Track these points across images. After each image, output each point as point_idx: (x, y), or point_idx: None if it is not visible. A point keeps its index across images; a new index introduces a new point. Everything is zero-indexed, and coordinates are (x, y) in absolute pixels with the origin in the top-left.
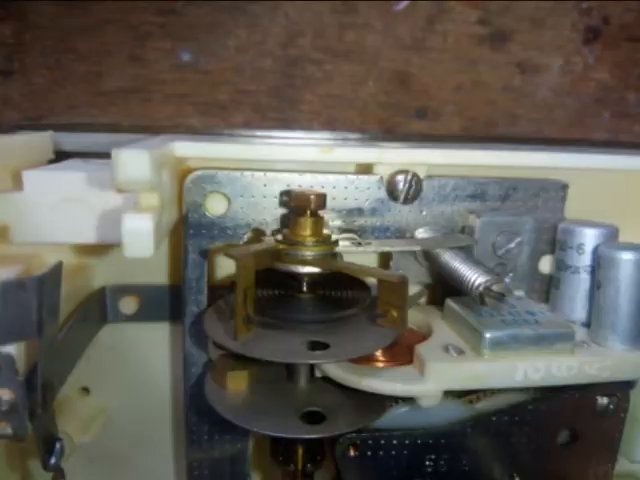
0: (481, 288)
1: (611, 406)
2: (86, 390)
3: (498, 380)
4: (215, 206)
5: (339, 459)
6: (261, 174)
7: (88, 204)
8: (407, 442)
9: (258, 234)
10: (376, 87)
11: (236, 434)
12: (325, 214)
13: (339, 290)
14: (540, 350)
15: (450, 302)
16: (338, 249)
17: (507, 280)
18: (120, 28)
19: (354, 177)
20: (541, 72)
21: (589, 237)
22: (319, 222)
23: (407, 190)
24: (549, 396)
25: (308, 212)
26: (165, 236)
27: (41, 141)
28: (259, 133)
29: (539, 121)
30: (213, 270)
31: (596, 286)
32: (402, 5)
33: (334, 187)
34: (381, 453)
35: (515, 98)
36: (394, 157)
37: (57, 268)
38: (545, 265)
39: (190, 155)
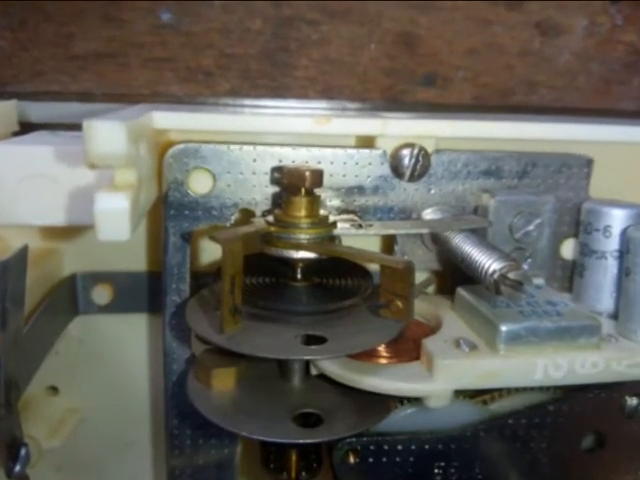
0: (496, 275)
1: None
2: (55, 389)
3: (515, 378)
4: (199, 184)
5: (337, 466)
6: (250, 148)
7: (56, 181)
8: (413, 447)
9: (247, 215)
10: (378, 51)
11: (222, 438)
12: (322, 193)
13: (337, 278)
14: (562, 345)
15: (461, 291)
16: (336, 232)
17: (525, 266)
18: None
19: (354, 151)
20: (563, 34)
21: (617, 218)
22: (315, 202)
23: (413, 166)
24: (572, 396)
25: (303, 190)
26: (143, 217)
27: (4, 111)
28: (248, 102)
29: (561, 89)
30: (196, 255)
31: (625, 273)
32: None
33: (332, 163)
34: (384, 460)
35: (534, 63)
36: (399, 129)
37: (22, 253)
38: (568, 250)
39: (171, 127)
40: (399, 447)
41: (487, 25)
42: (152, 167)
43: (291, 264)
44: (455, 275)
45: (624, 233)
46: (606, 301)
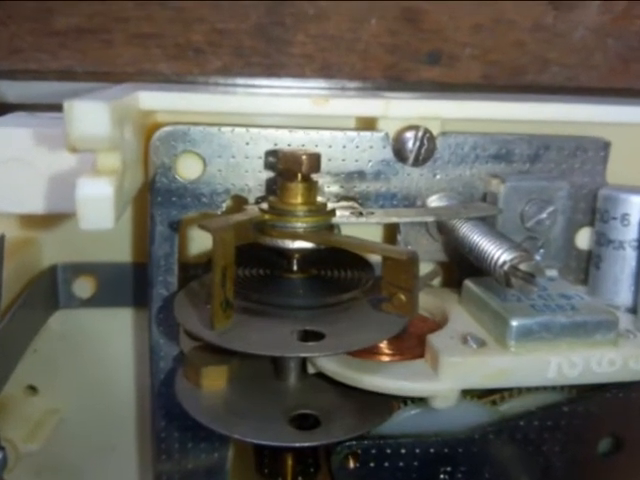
0: (506, 267)
1: None
2: (33, 389)
3: (527, 377)
4: (188, 169)
5: (336, 471)
6: (243, 130)
7: (35, 166)
8: (418, 451)
9: (239, 202)
10: (380, 26)
11: (213, 442)
12: (319, 178)
13: (336, 269)
14: (577, 341)
15: (469, 284)
16: (335, 220)
17: (537, 257)
18: None
19: (354, 134)
20: (577, 8)
21: (636, 206)
22: (312, 188)
23: (418, 149)
24: (588, 396)
25: (299, 176)
26: (128, 205)
27: None
28: (240, 81)
29: (575, 67)
30: (185, 245)
31: None
32: None
33: (330, 146)
34: (386, 465)
35: (546, 39)
36: (402, 110)
37: None
38: (583, 239)
39: (158, 107)
40: (402, 451)
41: None
42: (138, 151)
43: (287, 255)
44: (462, 266)
45: None
46: (624, 294)
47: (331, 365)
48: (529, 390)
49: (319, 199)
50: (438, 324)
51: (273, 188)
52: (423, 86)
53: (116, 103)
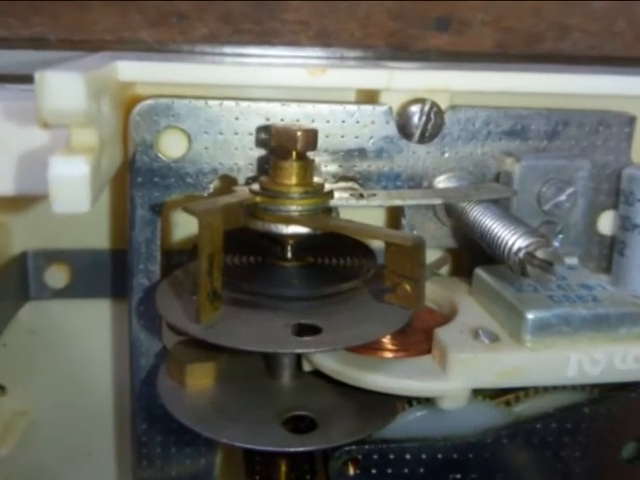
0: (522, 254)
1: None
2: (1, 388)
3: (544, 375)
4: (171, 146)
5: (334, 479)
6: (232, 104)
7: (3, 143)
8: (424, 457)
9: (228, 183)
10: None
11: (199, 446)
12: (316, 157)
13: (334, 257)
14: (599, 336)
15: (481, 272)
16: (333, 203)
17: (556, 243)
18: None
19: (354, 108)
20: None
21: None
22: (308, 167)
23: (424, 125)
24: (611, 397)
25: (293, 154)
26: (105, 186)
27: None
28: (229, 50)
29: (597, 34)
30: (168, 230)
31: None
32: None
33: (328, 121)
34: (389, 471)
35: (566, 4)
36: (407, 81)
37: None
38: (606, 224)
39: (138, 79)
40: (407, 456)
41: None
42: (116, 126)
43: (280, 241)
44: (473, 254)
45: None
46: None
47: (329, 362)
48: (546, 390)
49: (315, 179)
50: (446, 317)
51: (265, 167)
52: (430, 55)
53: (92, 74)
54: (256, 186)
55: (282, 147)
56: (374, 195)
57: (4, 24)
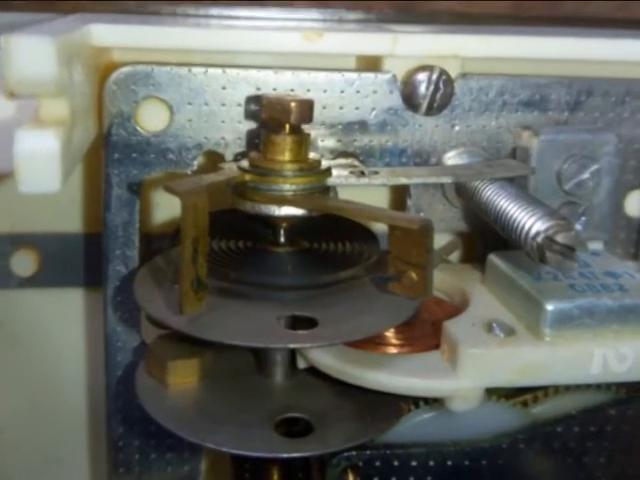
0: (540, 238)
1: None
2: None
3: (565, 373)
4: (151, 118)
5: None
6: (218, 71)
7: None
8: (432, 464)
9: (214, 159)
10: None
11: (182, 452)
12: (312, 130)
13: (332, 242)
14: (626, 329)
15: (495, 259)
16: (331, 181)
17: (578, 227)
18: None
19: (354, 76)
20: None
21: None
22: (303, 142)
23: (432, 95)
24: (639, 397)
25: (287, 127)
26: (78, 163)
27: None
28: (215, 12)
29: None
30: (148, 212)
31: None
32: None
33: (325, 91)
34: None
35: None
36: (413, 47)
37: None
38: (633, 205)
39: (114, 43)
40: (413, 463)
41: None
42: (90, 97)
43: (272, 224)
44: (486, 238)
45: None
46: None
47: (326, 358)
48: (568, 389)
49: (311, 156)
50: (457, 308)
51: (255, 142)
52: (439, 18)
53: (63, 38)
54: (245, 163)
55: (274, 119)
56: (376, 173)
57: None
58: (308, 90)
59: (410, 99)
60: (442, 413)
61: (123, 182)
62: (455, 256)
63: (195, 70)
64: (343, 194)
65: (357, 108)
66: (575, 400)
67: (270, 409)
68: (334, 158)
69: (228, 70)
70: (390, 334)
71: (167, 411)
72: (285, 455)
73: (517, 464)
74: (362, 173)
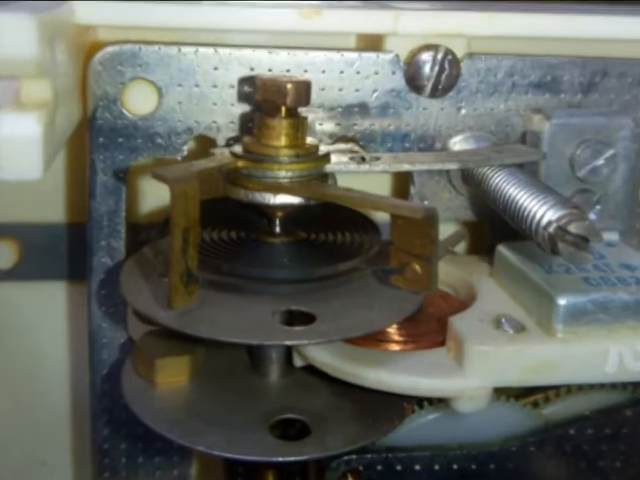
0: (552, 228)
1: None
2: None
3: (578, 371)
4: (138, 101)
5: None
6: (210, 51)
7: None
8: (437, 468)
9: (205, 144)
10: None
11: (171, 455)
12: (309, 113)
13: (331, 232)
14: None
15: (504, 250)
16: (329, 168)
17: (592, 216)
18: None
19: (354, 55)
20: None
21: None
22: (300, 126)
23: (437, 76)
24: None
25: (283, 110)
26: (61, 148)
27: None
28: None
29: None
30: (135, 201)
31: None
32: None
33: (323, 72)
34: None
35: None
36: (417, 24)
37: None
38: None
39: (100, 21)
40: (417, 467)
41: None
42: (73, 78)
43: (267, 213)
44: (495, 228)
45: None
46: None
47: (324, 356)
48: (581, 389)
49: (309, 140)
50: (463, 303)
51: (249, 126)
52: None
53: (45, 16)
54: (238, 148)
55: (269, 102)
56: (378, 159)
57: None
58: (305, 71)
59: (414, 80)
60: (448, 414)
61: (109, 168)
62: (461, 247)
63: (185, 50)
64: (342, 181)
65: (357, 90)
66: (589, 400)
67: (265, 410)
68: (333, 143)
69: (220, 50)
70: (392, 330)
71: (155, 412)
72: (281, 459)
73: (527, 468)
74: (363, 159)
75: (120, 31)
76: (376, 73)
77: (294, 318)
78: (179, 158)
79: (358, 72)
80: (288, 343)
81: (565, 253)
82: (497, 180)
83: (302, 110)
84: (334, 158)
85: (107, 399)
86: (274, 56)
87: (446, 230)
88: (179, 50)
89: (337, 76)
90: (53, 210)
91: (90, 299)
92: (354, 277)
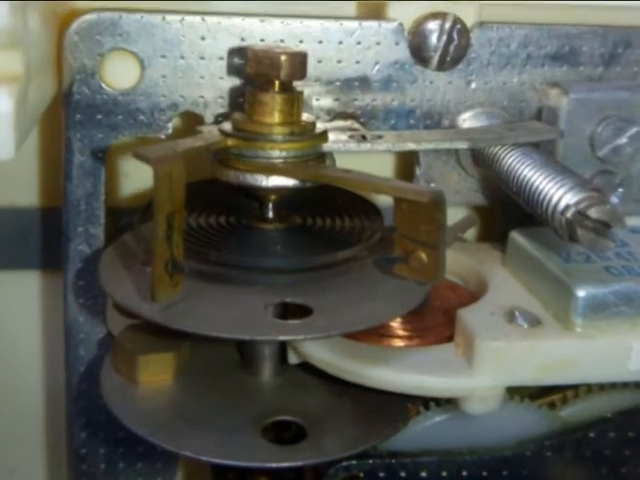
0: (570, 213)
1: None
2: None
3: (599, 369)
4: (119, 74)
5: None
6: (197, 20)
7: None
8: (445, 474)
9: (191, 121)
10: None
11: (154, 461)
12: (305, 87)
13: (329, 218)
14: None
15: (518, 237)
16: (327, 147)
17: (614, 199)
18: None
19: (354, 24)
20: None
21: None
22: (295, 101)
23: (444, 47)
24: None
25: (276, 84)
26: (34, 126)
27: None
28: None
29: None
30: (115, 183)
31: None
32: None
33: (320, 42)
34: None
35: None
36: None
37: None
38: None
39: None
40: (423, 474)
41: None
42: (48, 49)
43: (259, 196)
44: (508, 213)
45: None
46: None
47: (322, 352)
48: (602, 388)
49: (305, 117)
50: (473, 294)
51: (239, 102)
52: None
53: None
54: (228, 126)
55: (261, 75)
56: (380, 137)
57: None
58: (301, 41)
59: (419, 51)
60: (456, 416)
61: (86, 148)
62: (471, 234)
63: (170, 18)
64: (341, 162)
65: (358, 62)
66: (611, 401)
67: (257, 411)
68: (331, 120)
69: (208, 18)
70: (396, 324)
71: (137, 414)
72: (274, 465)
73: (543, 475)
74: (363, 137)
75: None
76: (378, 44)
77: (289, 311)
78: (163, 136)
79: (358, 42)
80: (282, 338)
81: (584, 240)
82: (510, 160)
83: (297, 84)
84: (332, 136)
85: (84, 400)
86: (267, 25)
87: (455, 215)
88: (163, 18)
89: (335, 47)
90: (25, 193)
91: (66, 290)
92: (354, 266)
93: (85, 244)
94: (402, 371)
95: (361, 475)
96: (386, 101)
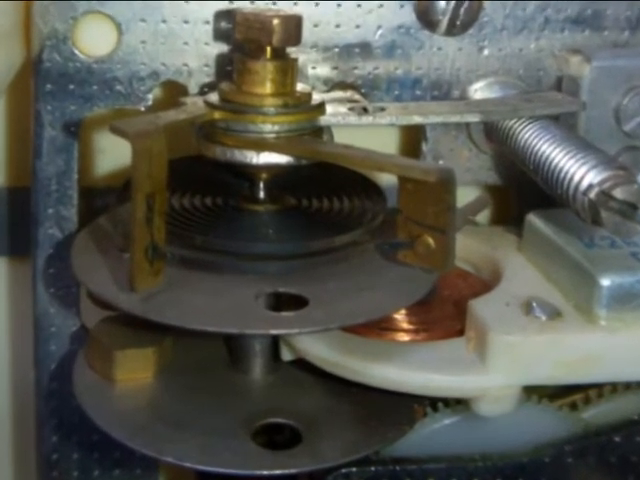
0: (593, 194)
1: None
2: None
3: (625, 366)
4: (94, 40)
5: None
6: None
7: None
8: None
9: (174, 92)
10: None
11: (133, 467)
12: (300, 54)
13: (326, 199)
14: None
15: (535, 220)
16: (324, 120)
17: None
18: None
19: None
20: None
21: None
22: (289, 69)
23: (454, 10)
24: None
25: (268, 51)
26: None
27: None
28: None
29: None
30: (90, 160)
31: None
32: None
33: (317, 4)
34: None
35: None
36: None
37: None
38: None
39: None
40: None
41: None
42: (14, 14)
43: (249, 175)
44: (524, 193)
45: None
46: None
47: (319, 348)
48: (628, 387)
49: (299, 87)
50: (486, 283)
51: (227, 70)
52: None
53: None
54: (214, 97)
55: (252, 41)
56: (383, 109)
57: None
58: (295, 3)
59: (426, 15)
60: (467, 418)
61: (58, 121)
62: (484, 216)
63: None
64: (340, 136)
65: (358, 26)
66: (638, 401)
67: (247, 413)
68: (329, 91)
69: None
70: (400, 317)
71: (114, 415)
72: (266, 472)
73: None
74: (364, 110)
75: None
76: (380, 6)
77: (282, 302)
78: (143, 108)
79: (359, 5)
80: (274, 332)
81: (609, 223)
82: (527, 135)
83: (291, 51)
84: (330, 109)
85: (55, 400)
86: None
87: (465, 196)
88: None
89: (333, 10)
90: None
91: (35, 279)
92: (354, 253)
93: (56, 228)
94: (407, 368)
95: None
96: (389, 70)
